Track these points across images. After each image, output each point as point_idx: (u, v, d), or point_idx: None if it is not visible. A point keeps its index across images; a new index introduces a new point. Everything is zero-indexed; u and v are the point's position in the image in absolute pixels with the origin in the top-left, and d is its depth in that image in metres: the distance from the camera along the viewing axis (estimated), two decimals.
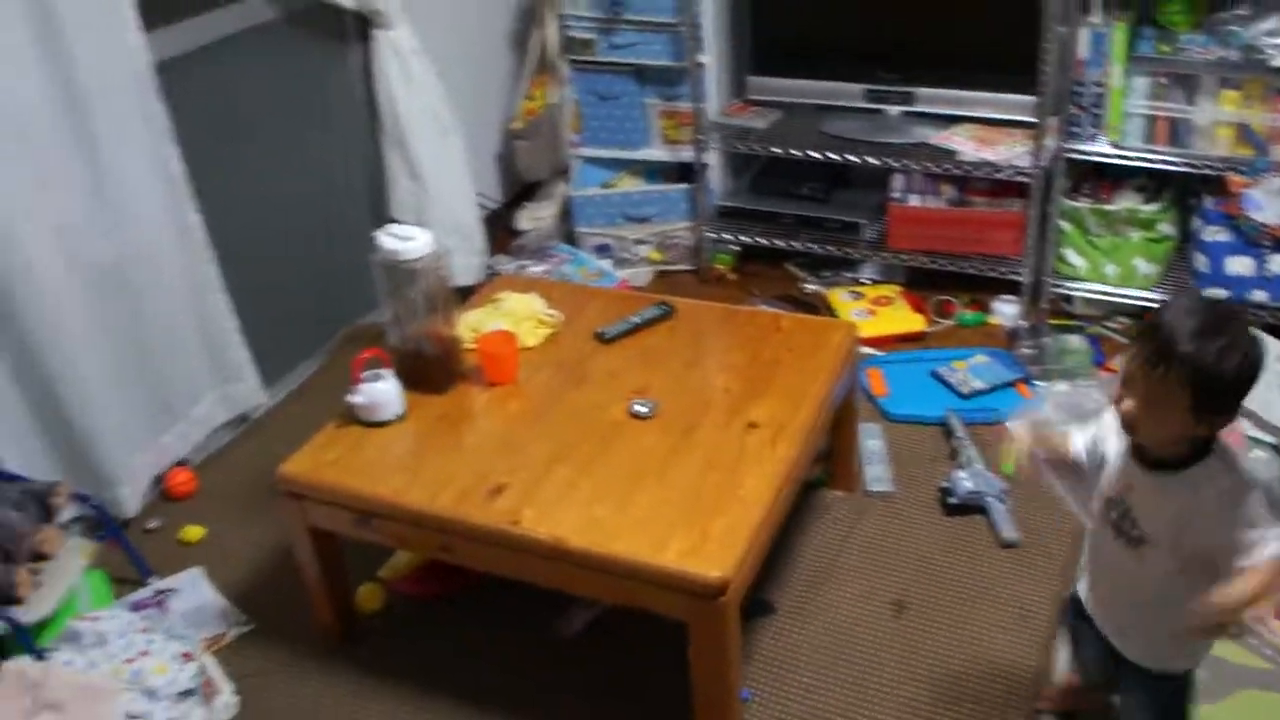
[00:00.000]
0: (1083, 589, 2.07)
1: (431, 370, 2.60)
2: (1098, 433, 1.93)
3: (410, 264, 2.49)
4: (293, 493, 2.42)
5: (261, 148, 3.46)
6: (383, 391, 2.50)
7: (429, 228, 3.36)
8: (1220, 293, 3.44)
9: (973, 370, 3.40)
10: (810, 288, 3.98)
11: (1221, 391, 1.66)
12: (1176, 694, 2.00)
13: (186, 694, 2.40)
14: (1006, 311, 3.73)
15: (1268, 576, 1.67)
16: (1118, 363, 3.41)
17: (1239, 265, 3.45)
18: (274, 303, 3.54)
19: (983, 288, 3.81)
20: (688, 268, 4.17)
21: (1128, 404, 1.72)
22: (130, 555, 2.84)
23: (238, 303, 3.30)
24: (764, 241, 4.01)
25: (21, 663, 2.32)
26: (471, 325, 2.79)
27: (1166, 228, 3.59)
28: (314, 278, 3.70)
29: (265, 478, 2.80)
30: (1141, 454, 1.81)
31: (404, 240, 2.50)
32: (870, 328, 3.61)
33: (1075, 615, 2.11)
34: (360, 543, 2.51)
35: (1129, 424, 1.74)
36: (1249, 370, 1.65)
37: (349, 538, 2.48)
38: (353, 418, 2.52)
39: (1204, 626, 1.77)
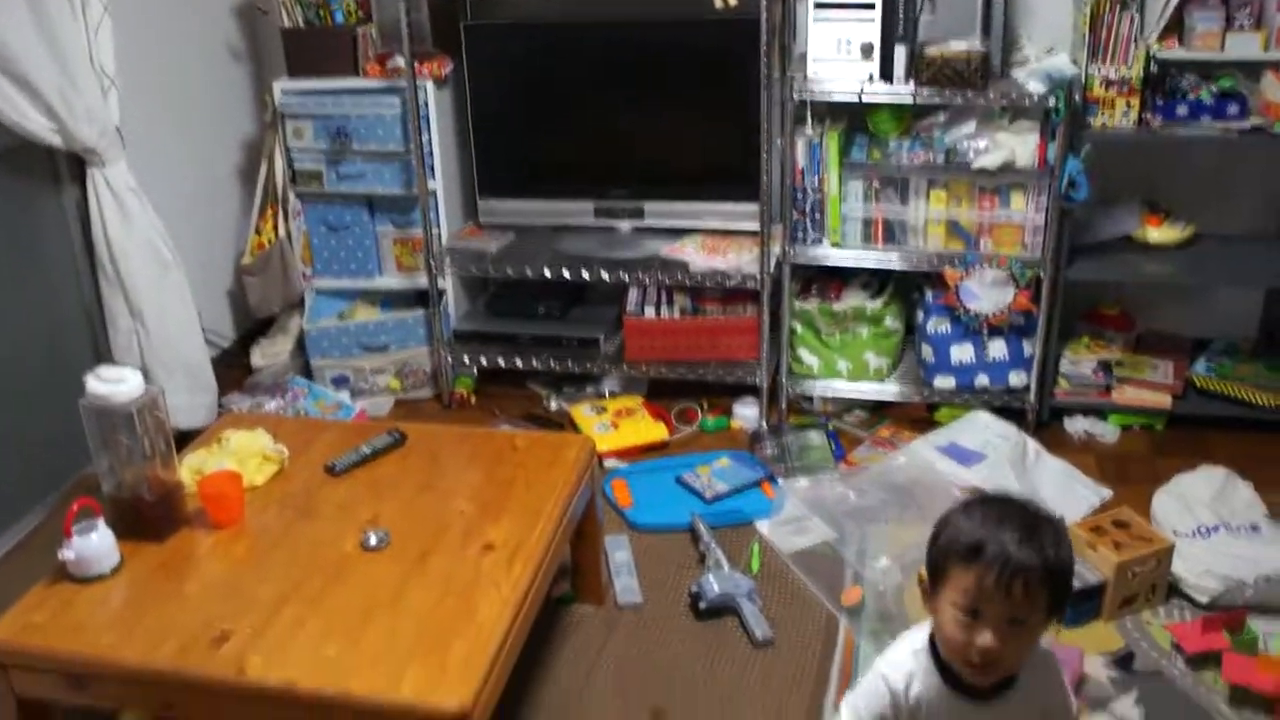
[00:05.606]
0: None
1: (151, 518, 2.46)
2: (885, 698, 1.78)
3: (121, 408, 2.37)
4: None
5: None
6: (94, 545, 2.34)
7: (153, 368, 3.24)
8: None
9: (716, 474, 3.41)
10: (553, 405, 3.96)
11: (1068, 580, 1.65)
12: None
13: None
14: (747, 414, 3.79)
15: None
16: (857, 455, 3.50)
17: (962, 353, 3.62)
18: None
19: (723, 392, 3.88)
20: (429, 394, 4.11)
21: (986, 639, 1.60)
22: None
23: None
24: (503, 363, 3.97)
25: None
26: (194, 467, 2.67)
27: (892, 322, 3.74)
28: (33, 428, 3.47)
29: None
30: (972, 693, 1.71)
31: (113, 383, 2.38)
32: (613, 440, 3.62)
33: None
34: (82, 711, 2.34)
35: (993, 660, 1.63)
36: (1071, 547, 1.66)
37: (67, 705, 2.29)
38: (65, 575, 2.35)
39: None
